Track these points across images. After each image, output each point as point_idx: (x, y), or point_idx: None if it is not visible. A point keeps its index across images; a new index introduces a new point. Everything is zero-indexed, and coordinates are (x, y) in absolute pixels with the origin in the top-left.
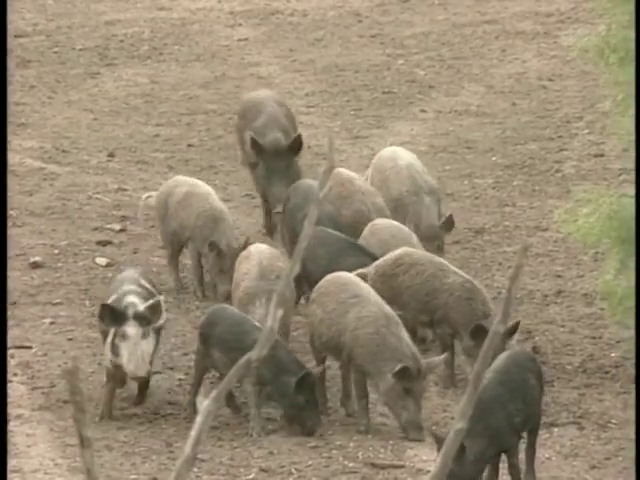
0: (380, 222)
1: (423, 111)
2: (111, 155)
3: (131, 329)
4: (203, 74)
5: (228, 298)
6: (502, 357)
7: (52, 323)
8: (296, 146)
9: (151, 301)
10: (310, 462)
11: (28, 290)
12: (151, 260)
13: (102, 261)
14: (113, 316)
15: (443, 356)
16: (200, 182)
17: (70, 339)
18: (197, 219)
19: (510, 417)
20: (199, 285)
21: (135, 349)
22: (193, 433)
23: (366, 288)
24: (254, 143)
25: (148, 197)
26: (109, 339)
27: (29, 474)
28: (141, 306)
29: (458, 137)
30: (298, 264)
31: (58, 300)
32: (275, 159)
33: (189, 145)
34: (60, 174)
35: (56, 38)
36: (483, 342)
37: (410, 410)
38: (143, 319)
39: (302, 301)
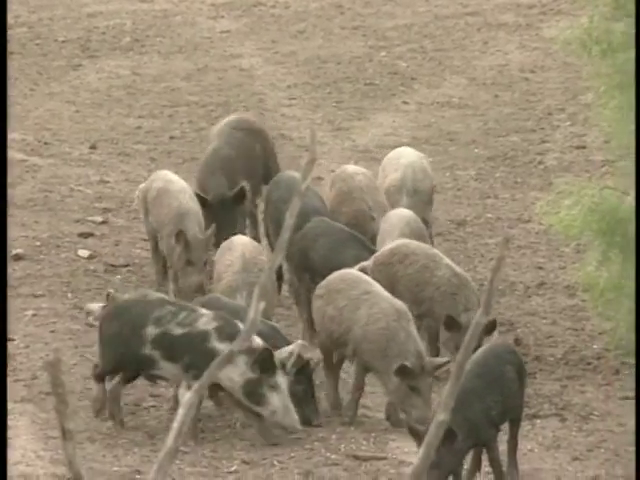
0: (393, 212)
1: (405, 103)
2: (93, 147)
3: (282, 380)
4: (185, 66)
5: (198, 290)
6: (481, 349)
7: (34, 315)
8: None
9: (290, 349)
10: (292, 454)
11: (10, 282)
12: (133, 252)
13: (84, 253)
14: (268, 363)
15: (446, 358)
16: (176, 178)
17: (52, 331)
18: (165, 217)
19: (487, 410)
20: (159, 277)
21: (286, 401)
22: (175, 425)
23: (377, 285)
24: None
25: None
26: (240, 381)
27: (11, 466)
28: (283, 354)
29: (440, 129)
30: (281, 256)
31: (40, 292)
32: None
33: (171, 137)
34: (42, 166)
35: (38, 30)
36: (455, 334)
37: (418, 407)
38: (284, 367)
39: (286, 293)
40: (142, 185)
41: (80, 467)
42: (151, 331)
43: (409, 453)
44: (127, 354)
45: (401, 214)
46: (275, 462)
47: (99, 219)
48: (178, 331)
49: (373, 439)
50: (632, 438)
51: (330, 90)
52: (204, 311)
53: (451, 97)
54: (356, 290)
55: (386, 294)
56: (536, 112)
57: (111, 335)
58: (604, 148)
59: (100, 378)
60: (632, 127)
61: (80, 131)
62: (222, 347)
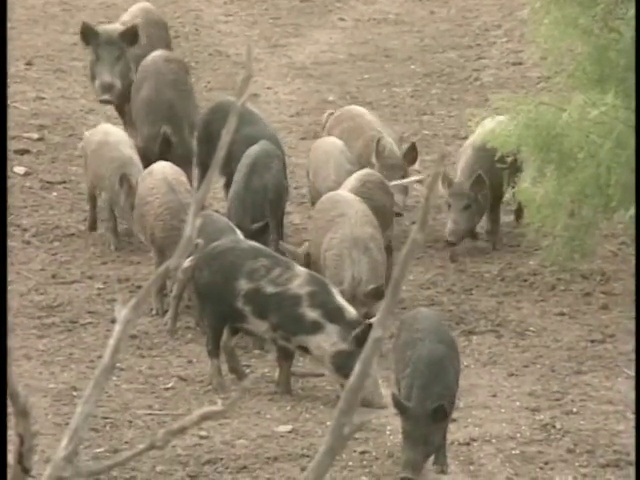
0: (322, 140)
1: (342, 19)
2: (29, 64)
3: None
4: None
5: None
6: (426, 317)
7: None
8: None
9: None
10: (229, 371)
11: None
12: (69, 169)
13: (20, 170)
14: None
15: (379, 283)
16: (115, 130)
17: None
18: (106, 169)
19: (457, 374)
20: (113, 236)
21: (375, 376)
22: (112, 342)
23: (357, 206)
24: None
25: None
26: (331, 351)
27: None
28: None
29: (377, 45)
30: (216, 172)
31: None
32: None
33: None
34: None
35: None
36: None
37: None
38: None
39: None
40: (86, 133)
41: (16, 384)
42: (243, 285)
43: None
44: (223, 305)
45: (333, 142)
46: None
47: (35, 136)
48: (270, 289)
49: (310, 357)
50: (567, 354)
51: (267, 7)
52: (299, 270)
53: (387, 13)
54: (334, 211)
55: (357, 218)
56: (472, 28)
57: (204, 285)
58: (540, 64)
59: (214, 352)
60: (567, 42)
61: (16, 48)
62: (313, 315)
